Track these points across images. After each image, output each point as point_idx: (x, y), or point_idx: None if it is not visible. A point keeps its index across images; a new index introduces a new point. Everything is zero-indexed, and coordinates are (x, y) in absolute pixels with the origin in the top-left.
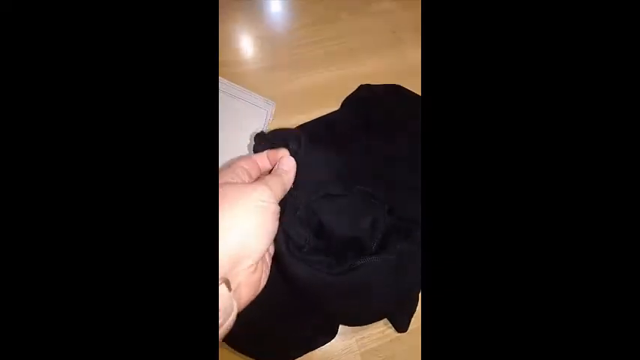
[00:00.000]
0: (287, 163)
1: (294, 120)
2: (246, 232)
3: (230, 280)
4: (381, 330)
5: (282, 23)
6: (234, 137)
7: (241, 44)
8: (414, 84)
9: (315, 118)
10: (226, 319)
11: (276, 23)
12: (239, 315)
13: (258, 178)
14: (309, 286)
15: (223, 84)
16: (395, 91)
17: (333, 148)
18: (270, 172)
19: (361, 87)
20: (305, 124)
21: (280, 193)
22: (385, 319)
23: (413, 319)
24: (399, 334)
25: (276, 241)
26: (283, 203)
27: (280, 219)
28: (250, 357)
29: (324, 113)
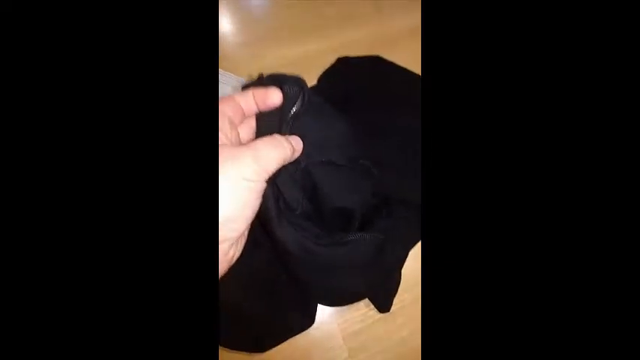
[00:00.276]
0: (298, 142)
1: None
2: (222, 215)
3: None
4: (362, 312)
5: None
6: None
7: None
8: (395, 54)
9: None
10: None
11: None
12: None
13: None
14: (292, 252)
15: None
16: (375, 62)
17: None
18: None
19: (339, 60)
20: None
21: (273, 168)
22: (367, 301)
23: (395, 299)
24: (382, 315)
25: (264, 197)
26: None
27: (274, 174)
28: (224, 347)
29: None
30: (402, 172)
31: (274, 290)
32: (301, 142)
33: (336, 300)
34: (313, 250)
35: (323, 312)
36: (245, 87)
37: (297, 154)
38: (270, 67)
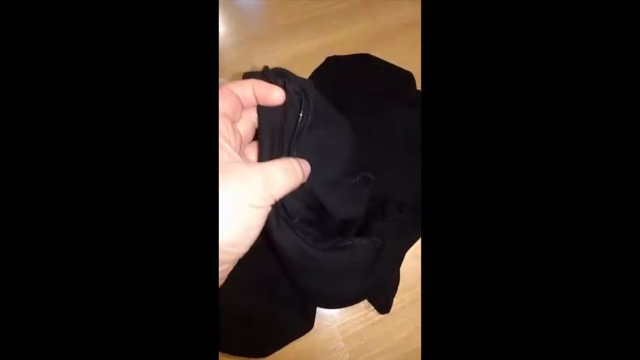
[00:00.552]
0: (307, 167)
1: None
2: (225, 240)
3: None
4: (362, 314)
5: None
6: None
7: None
8: (385, 51)
9: None
10: None
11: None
12: None
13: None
14: (291, 256)
15: None
16: (364, 60)
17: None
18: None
19: (328, 59)
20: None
21: (282, 195)
22: (366, 302)
23: (395, 300)
24: (382, 316)
25: None
26: None
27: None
28: (224, 352)
29: None
30: (397, 173)
31: (273, 294)
32: (309, 167)
33: (336, 303)
34: (312, 255)
35: (323, 314)
36: (246, 76)
37: (305, 179)
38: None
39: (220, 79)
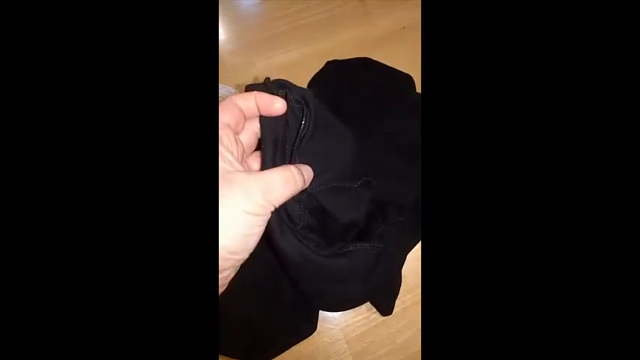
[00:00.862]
0: (309, 173)
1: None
2: (224, 248)
3: None
4: (365, 316)
5: (241, 3)
6: None
7: None
8: (384, 55)
9: None
10: None
11: (235, 5)
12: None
13: (251, 162)
14: (293, 261)
15: None
16: (364, 64)
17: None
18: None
19: (328, 63)
20: None
21: (281, 203)
22: (369, 304)
23: (397, 301)
24: (384, 318)
25: None
26: None
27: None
28: (224, 356)
29: None
30: (397, 176)
31: (275, 298)
32: (311, 172)
33: (338, 306)
34: (315, 260)
35: (325, 317)
36: (249, 88)
37: (307, 185)
38: (259, 74)
39: (227, 88)
